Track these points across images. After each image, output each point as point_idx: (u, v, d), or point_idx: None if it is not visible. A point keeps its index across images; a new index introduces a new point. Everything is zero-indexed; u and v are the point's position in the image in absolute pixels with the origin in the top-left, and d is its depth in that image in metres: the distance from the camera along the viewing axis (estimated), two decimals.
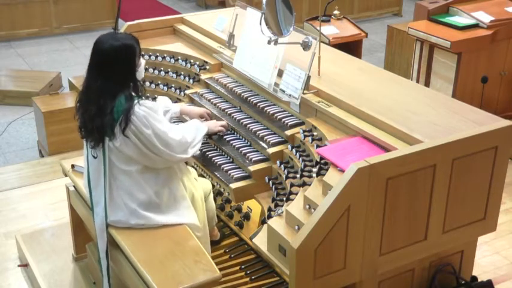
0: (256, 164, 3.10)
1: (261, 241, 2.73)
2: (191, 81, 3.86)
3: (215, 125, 3.32)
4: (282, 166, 3.01)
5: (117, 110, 2.82)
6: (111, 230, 2.99)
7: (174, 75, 3.93)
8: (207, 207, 3.37)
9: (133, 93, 2.89)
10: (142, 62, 3.03)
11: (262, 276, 3.37)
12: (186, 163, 3.46)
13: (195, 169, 3.44)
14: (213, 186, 3.40)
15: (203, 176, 3.40)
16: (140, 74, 3.02)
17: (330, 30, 5.49)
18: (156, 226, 3.00)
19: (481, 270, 3.71)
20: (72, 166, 3.49)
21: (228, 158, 3.25)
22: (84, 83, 2.95)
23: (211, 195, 3.46)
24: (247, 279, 3.36)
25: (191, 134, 3.08)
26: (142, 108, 2.85)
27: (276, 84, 3.27)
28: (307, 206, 2.60)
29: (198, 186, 3.26)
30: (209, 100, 3.60)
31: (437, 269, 2.92)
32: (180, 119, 3.51)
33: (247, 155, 3.15)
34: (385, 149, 2.71)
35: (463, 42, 4.95)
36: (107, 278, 3.04)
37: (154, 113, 2.89)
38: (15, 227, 4.24)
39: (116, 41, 2.88)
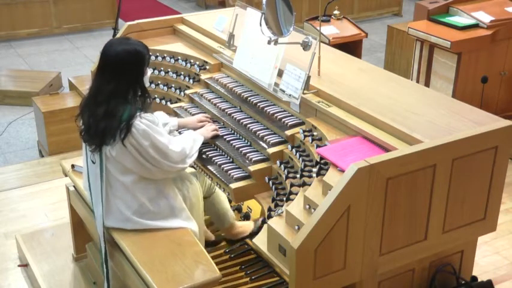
0: (256, 164, 3.10)
1: (261, 241, 2.73)
2: (191, 81, 3.86)
3: (207, 132, 3.31)
4: (282, 166, 3.01)
5: (123, 115, 2.81)
6: (112, 232, 2.99)
7: (174, 75, 3.93)
8: (214, 202, 3.42)
9: (138, 100, 2.89)
10: (148, 71, 3.05)
11: (262, 276, 3.37)
12: None
13: (194, 168, 3.43)
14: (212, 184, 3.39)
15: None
16: (145, 82, 3.01)
17: (330, 30, 5.49)
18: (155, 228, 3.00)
19: (481, 270, 3.71)
20: (72, 166, 3.49)
21: (228, 158, 3.25)
22: (92, 86, 2.94)
23: (218, 189, 3.43)
24: (247, 279, 3.36)
25: (189, 145, 3.09)
26: (143, 121, 2.84)
27: (276, 84, 3.27)
28: (307, 206, 2.60)
29: (196, 185, 3.25)
30: (209, 100, 3.60)
31: (437, 269, 2.92)
32: (176, 131, 3.47)
33: (247, 155, 3.15)
34: (385, 149, 2.71)
35: (463, 42, 4.95)
36: (107, 284, 3.04)
37: (155, 126, 2.89)
38: (15, 227, 4.25)
39: (128, 45, 2.91)
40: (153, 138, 2.85)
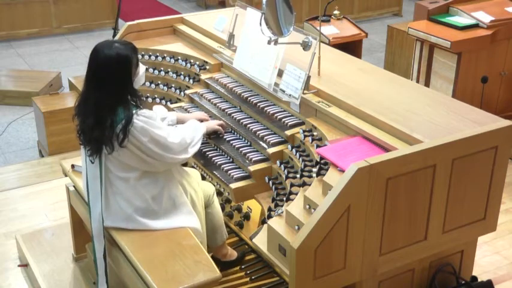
0: (256, 164, 3.10)
1: (261, 241, 2.73)
2: (191, 81, 3.86)
3: (213, 124, 3.31)
4: (282, 166, 3.01)
5: (116, 123, 2.77)
6: (111, 231, 2.99)
7: (174, 75, 3.93)
8: (213, 213, 3.33)
9: (131, 103, 2.84)
10: (141, 69, 2.95)
11: (262, 276, 3.37)
12: (186, 164, 3.46)
13: (194, 168, 3.42)
14: (213, 185, 3.38)
15: (204, 178, 3.39)
16: (139, 82, 2.94)
17: (330, 30, 5.49)
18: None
19: (481, 270, 3.71)
20: (72, 166, 3.48)
21: (228, 158, 3.25)
22: (82, 92, 2.90)
23: (216, 200, 3.39)
24: (247, 279, 3.36)
25: (190, 134, 3.06)
26: (140, 119, 2.81)
27: (276, 84, 3.27)
28: (307, 206, 2.60)
29: (199, 191, 3.24)
30: (209, 100, 3.61)
31: (437, 269, 2.92)
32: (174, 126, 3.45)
33: (247, 155, 3.15)
34: (385, 149, 2.72)
35: (463, 42, 4.95)
36: (105, 279, 3.04)
37: (152, 120, 2.86)
38: (15, 227, 4.24)
39: (110, 50, 2.79)
40: (151, 134, 2.83)
